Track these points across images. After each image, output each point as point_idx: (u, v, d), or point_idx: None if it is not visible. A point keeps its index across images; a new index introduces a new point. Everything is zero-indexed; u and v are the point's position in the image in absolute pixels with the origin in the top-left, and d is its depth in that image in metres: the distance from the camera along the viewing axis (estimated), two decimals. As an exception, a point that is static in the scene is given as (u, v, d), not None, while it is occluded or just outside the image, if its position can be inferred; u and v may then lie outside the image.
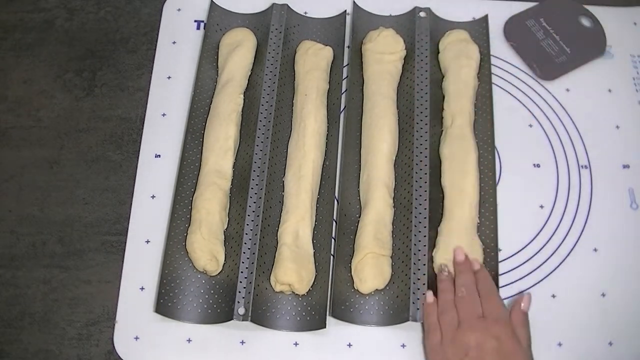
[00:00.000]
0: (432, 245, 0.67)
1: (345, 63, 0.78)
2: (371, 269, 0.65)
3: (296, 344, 0.65)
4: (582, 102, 0.77)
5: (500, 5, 0.82)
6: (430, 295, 0.64)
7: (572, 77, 0.78)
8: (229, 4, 0.81)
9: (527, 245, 0.70)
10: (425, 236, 0.67)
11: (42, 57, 0.79)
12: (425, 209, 0.68)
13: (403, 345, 0.65)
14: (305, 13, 0.81)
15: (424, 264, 0.66)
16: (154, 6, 0.82)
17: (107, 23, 0.82)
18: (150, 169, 0.72)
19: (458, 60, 0.76)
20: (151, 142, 0.74)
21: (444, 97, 0.75)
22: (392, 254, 0.67)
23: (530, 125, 0.76)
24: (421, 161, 0.70)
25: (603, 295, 0.68)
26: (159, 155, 0.73)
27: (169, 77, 0.77)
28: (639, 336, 0.66)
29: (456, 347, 0.59)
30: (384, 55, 0.76)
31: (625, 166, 0.74)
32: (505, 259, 0.69)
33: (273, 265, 0.66)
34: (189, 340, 0.65)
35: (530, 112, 0.76)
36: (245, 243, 0.67)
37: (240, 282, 0.65)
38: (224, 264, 0.67)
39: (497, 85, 0.78)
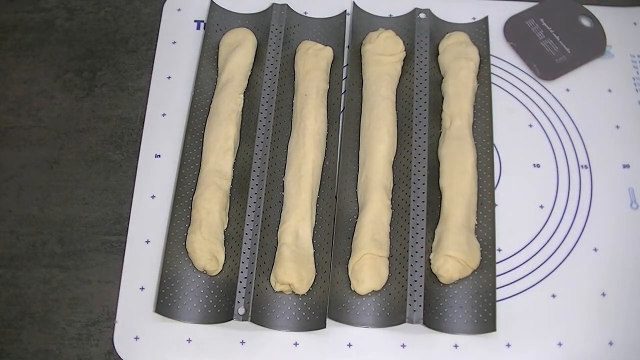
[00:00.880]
0: (430, 246, 0.67)
1: (345, 63, 0.78)
2: (368, 270, 0.65)
3: (296, 344, 0.65)
4: (582, 102, 0.77)
5: (500, 6, 0.82)
6: None
7: (572, 77, 0.78)
8: (229, 4, 0.81)
9: (527, 245, 0.70)
10: (422, 238, 0.67)
11: (42, 57, 0.79)
12: (423, 210, 0.68)
13: (403, 345, 0.65)
14: (305, 13, 0.81)
15: (421, 266, 0.66)
16: (154, 6, 0.82)
17: (107, 23, 0.82)
18: (150, 169, 0.72)
19: (457, 62, 0.76)
20: (151, 142, 0.74)
21: (443, 98, 0.75)
22: (389, 255, 0.67)
23: (530, 125, 0.76)
24: (419, 162, 0.70)
25: (603, 295, 0.68)
26: (159, 155, 0.73)
27: (169, 77, 0.77)
28: (639, 336, 0.66)
29: None
30: (384, 57, 0.76)
31: (625, 166, 0.74)
32: (505, 259, 0.69)
33: (273, 265, 0.66)
34: (189, 340, 0.65)
35: (530, 112, 0.76)
36: (245, 243, 0.67)
37: (240, 282, 0.65)
38: (224, 264, 0.67)
39: (497, 86, 0.78)
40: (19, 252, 0.69)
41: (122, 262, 0.68)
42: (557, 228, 0.71)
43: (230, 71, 0.75)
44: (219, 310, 0.65)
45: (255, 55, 0.78)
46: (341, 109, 0.76)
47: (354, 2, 0.81)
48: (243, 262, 0.66)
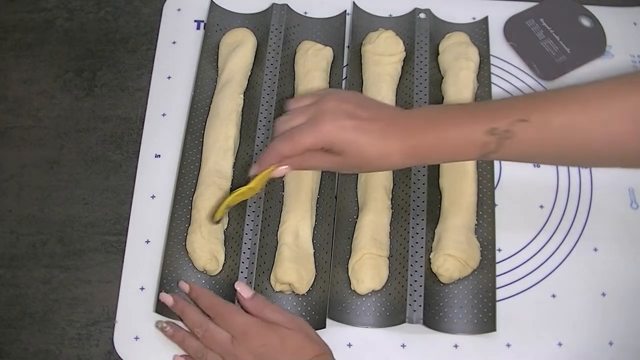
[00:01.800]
0: (430, 246, 0.67)
1: (345, 63, 0.78)
2: (368, 269, 0.65)
3: (296, 344, 0.65)
4: (582, 102, 0.77)
5: (500, 6, 0.82)
6: (178, 357, 0.62)
7: (572, 77, 0.78)
8: (229, 4, 0.81)
9: (527, 245, 0.70)
10: (422, 237, 0.67)
11: (42, 57, 0.79)
12: (423, 210, 0.68)
13: (403, 345, 0.65)
14: (305, 13, 0.81)
15: (421, 266, 0.66)
16: (154, 6, 0.82)
17: (107, 23, 0.82)
18: (150, 169, 0.72)
19: (457, 62, 0.76)
20: (151, 142, 0.74)
21: (443, 98, 0.75)
22: (389, 255, 0.67)
23: (530, 125, 0.76)
24: (419, 162, 0.70)
25: (603, 295, 0.68)
26: (159, 155, 0.73)
27: (169, 77, 0.77)
28: (639, 336, 0.66)
29: None
30: (384, 57, 0.76)
31: (625, 166, 0.74)
32: (505, 259, 0.69)
33: (273, 265, 0.66)
34: (189, 340, 0.65)
35: (530, 112, 0.76)
36: (245, 243, 0.67)
37: (241, 281, 0.65)
38: (224, 264, 0.67)
39: (497, 86, 0.78)
40: (19, 252, 0.69)
41: (122, 262, 0.68)
42: (557, 228, 0.71)
43: (230, 71, 0.75)
44: (219, 310, 0.65)
45: (255, 55, 0.78)
46: (341, 109, 0.75)
47: (354, 2, 0.81)
48: (243, 262, 0.66)
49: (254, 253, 0.66)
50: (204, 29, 0.80)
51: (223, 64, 0.76)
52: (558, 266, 0.69)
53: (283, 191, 0.70)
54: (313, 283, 0.66)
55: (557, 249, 0.70)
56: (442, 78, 0.76)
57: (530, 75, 0.78)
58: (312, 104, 0.57)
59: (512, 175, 0.73)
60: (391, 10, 0.82)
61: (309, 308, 0.65)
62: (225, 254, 0.67)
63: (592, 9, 0.82)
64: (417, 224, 0.68)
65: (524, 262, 0.69)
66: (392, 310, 0.65)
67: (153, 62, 0.78)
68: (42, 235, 0.70)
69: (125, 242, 0.69)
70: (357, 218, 0.69)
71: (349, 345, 0.65)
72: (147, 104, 0.76)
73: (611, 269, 0.69)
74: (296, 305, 0.65)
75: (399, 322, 0.64)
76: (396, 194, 0.70)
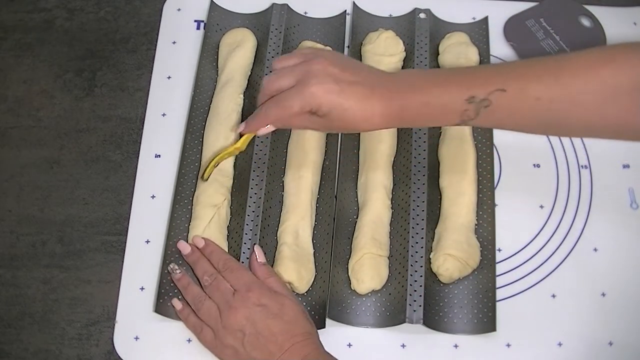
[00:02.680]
0: (430, 246, 0.67)
1: (345, 63, 0.78)
2: (368, 269, 0.65)
3: (296, 344, 0.65)
4: (582, 102, 0.77)
5: (500, 6, 0.82)
6: (176, 301, 0.64)
7: (572, 77, 0.78)
8: (229, 4, 0.81)
9: (526, 245, 0.70)
10: (422, 237, 0.67)
11: (42, 57, 0.79)
12: (423, 210, 0.68)
13: (403, 345, 0.65)
14: (305, 13, 0.81)
15: (421, 266, 0.66)
16: (154, 6, 0.82)
17: (107, 23, 0.82)
18: (150, 169, 0.72)
19: (457, 62, 0.76)
20: (151, 142, 0.74)
21: (443, 98, 0.75)
22: (389, 255, 0.67)
23: (530, 125, 0.76)
24: (419, 162, 0.70)
25: (603, 295, 0.68)
26: (159, 155, 0.73)
27: (169, 77, 0.77)
28: (639, 336, 0.66)
29: (231, 333, 0.59)
30: (384, 57, 0.76)
31: (625, 166, 0.74)
32: (505, 259, 0.69)
33: (273, 264, 0.66)
34: (189, 340, 0.65)
35: (530, 112, 0.76)
36: (245, 243, 0.67)
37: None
38: (224, 263, 0.67)
39: (497, 85, 0.78)
40: (19, 252, 0.69)
41: (122, 262, 0.68)
42: (557, 228, 0.71)
43: (230, 71, 0.75)
44: (219, 310, 0.65)
45: (255, 55, 0.78)
46: (341, 109, 0.75)
47: (354, 2, 0.81)
48: (243, 262, 0.66)
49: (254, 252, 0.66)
50: (204, 29, 0.80)
51: (223, 63, 0.76)
52: (558, 266, 0.69)
53: (283, 191, 0.70)
54: (313, 283, 0.66)
55: (557, 249, 0.70)
56: (442, 78, 0.76)
57: (530, 75, 0.78)
58: (298, 65, 0.59)
59: (512, 175, 0.73)
60: (391, 10, 0.82)
61: (308, 308, 0.65)
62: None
63: (592, 9, 0.82)
64: (417, 224, 0.68)
65: (524, 262, 0.69)
66: (392, 310, 0.65)
67: (153, 62, 0.78)
68: (42, 235, 0.70)
69: (125, 242, 0.69)
70: (357, 218, 0.69)
71: (349, 345, 0.65)
72: (147, 104, 0.76)
73: (611, 269, 0.69)
74: (296, 305, 0.65)
75: (399, 322, 0.64)
76: (396, 194, 0.70)
